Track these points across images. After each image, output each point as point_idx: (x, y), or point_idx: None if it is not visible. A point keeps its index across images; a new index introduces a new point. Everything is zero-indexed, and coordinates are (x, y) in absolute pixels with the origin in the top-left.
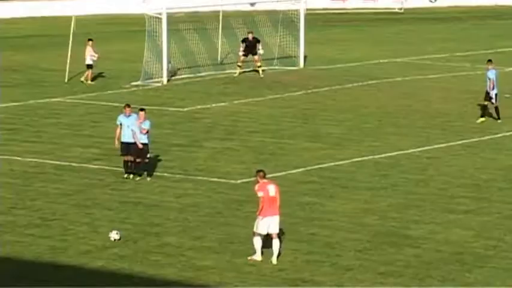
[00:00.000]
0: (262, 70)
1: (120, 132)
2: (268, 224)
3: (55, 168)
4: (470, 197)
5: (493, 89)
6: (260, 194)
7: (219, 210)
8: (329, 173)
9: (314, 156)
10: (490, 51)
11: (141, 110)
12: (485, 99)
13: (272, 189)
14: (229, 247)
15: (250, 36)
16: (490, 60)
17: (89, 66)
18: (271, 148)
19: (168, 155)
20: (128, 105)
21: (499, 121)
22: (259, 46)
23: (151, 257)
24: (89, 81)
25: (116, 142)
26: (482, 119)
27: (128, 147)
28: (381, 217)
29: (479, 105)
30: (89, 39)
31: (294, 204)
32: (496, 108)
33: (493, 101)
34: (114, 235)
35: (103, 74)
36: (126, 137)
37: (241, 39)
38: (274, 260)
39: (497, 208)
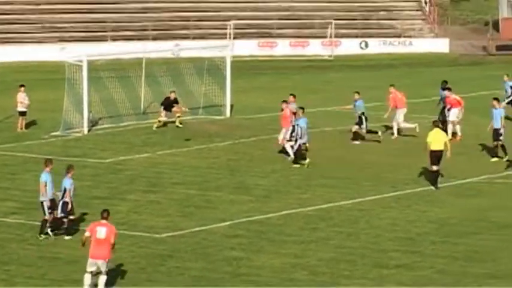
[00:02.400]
0: (180, 123)
1: (45, 190)
2: (96, 264)
3: None
4: (403, 251)
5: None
6: (87, 234)
7: (142, 265)
8: (257, 226)
9: (241, 209)
10: (421, 99)
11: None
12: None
13: (102, 231)
14: None
15: (172, 96)
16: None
17: (22, 113)
18: (197, 201)
19: (89, 208)
20: (50, 161)
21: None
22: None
23: None
24: (23, 129)
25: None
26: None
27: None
28: (311, 272)
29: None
30: (21, 85)
31: (220, 259)
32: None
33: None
34: None
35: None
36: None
37: (163, 99)
38: None
39: (431, 262)
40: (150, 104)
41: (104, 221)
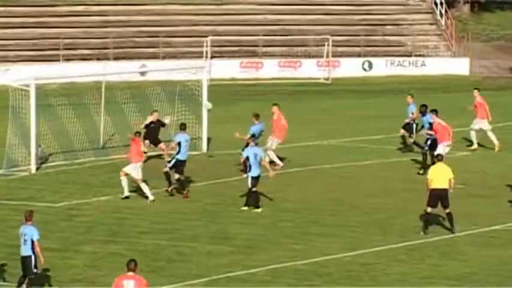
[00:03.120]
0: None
1: None
2: None
3: None
4: None
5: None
6: None
7: None
8: (239, 283)
9: (220, 263)
10: None
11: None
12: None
13: (130, 285)
14: None
15: (154, 117)
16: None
17: None
18: (167, 253)
19: None
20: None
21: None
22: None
23: None
24: None
25: None
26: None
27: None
28: None
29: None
30: None
31: None
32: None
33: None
34: None
35: None
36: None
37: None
38: None
39: None
40: (111, 137)
41: (131, 273)
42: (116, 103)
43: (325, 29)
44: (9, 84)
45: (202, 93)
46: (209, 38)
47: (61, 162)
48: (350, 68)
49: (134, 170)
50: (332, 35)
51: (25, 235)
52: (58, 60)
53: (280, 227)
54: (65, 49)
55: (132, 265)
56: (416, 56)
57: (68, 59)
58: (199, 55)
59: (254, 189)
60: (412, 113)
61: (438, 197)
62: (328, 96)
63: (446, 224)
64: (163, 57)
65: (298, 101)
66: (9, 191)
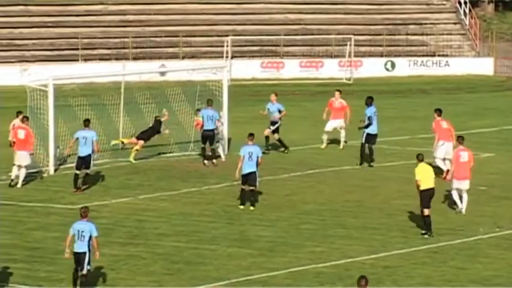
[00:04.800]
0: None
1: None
2: None
3: None
4: None
5: None
6: None
7: None
8: (259, 286)
9: (240, 266)
10: (462, 132)
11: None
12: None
13: None
14: None
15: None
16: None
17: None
18: (187, 255)
19: (55, 264)
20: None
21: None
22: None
23: None
24: None
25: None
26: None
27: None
28: None
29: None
30: (19, 112)
31: None
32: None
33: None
34: None
35: None
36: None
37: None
38: None
39: None
40: (131, 137)
41: None
42: (135, 104)
43: (347, 28)
44: (27, 85)
45: (222, 93)
46: (229, 38)
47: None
48: (372, 68)
49: None
50: (354, 35)
51: (82, 231)
52: (76, 60)
53: (301, 229)
54: (84, 49)
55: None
56: (439, 55)
57: (86, 59)
58: (219, 55)
59: (250, 187)
60: (280, 111)
61: (430, 196)
62: (350, 96)
63: (470, 226)
64: (183, 57)
65: (319, 101)
66: (27, 193)
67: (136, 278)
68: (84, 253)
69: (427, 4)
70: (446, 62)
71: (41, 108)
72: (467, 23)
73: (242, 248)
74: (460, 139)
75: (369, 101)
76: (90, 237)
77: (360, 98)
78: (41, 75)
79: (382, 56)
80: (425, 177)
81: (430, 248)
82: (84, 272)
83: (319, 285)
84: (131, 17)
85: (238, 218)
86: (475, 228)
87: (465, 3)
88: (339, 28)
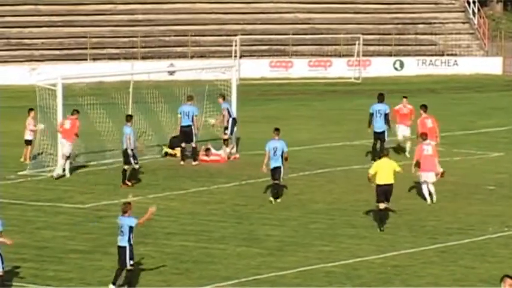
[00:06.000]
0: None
1: None
2: None
3: None
4: None
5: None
6: None
7: None
8: (268, 285)
9: (249, 265)
10: (470, 131)
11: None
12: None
13: None
14: None
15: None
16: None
17: (29, 142)
18: (195, 255)
19: (64, 263)
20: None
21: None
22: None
23: None
24: (27, 160)
25: None
26: None
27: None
28: None
29: None
30: (30, 109)
31: None
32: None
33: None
34: None
35: None
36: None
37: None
38: None
39: None
40: (139, 137)
41: None
42: (144, 103)
43: (356, 27)
44: (36, 84)
45: (231, 92)
46: (238, 37)
47: (89, 162)
48: (381, 67)
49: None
50: (363, 34)
51: (122, 226)
52: (85, 60)
53: (310, 228)
54: (92, 48)
55: None
56: (448, 55)
57: (95, 58)
58: (228, 54)
59: (275, 181)
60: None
61: (384, 192)
62: (359, 96)
63: (479, 225)
64: (192, 57)
65: (328, 100)
66: (36, 192)
67: (145, 277)
68: (125, 247)
69: (436, 3)
70: (455, 61)
71: (50, 108)
72: (476, 22)
73: (251, 248)
74: (423, 135)
75: (379, 98)
76: (131, 231)
77: (368, 97)
78: (50, 75)
79: (390, 55)
80: (381, 172)
81: (439, 248)
82: (128, 267)
83: (328, 284)
84: (140, 16)
85: (247, 218)
86: (484, 227)
87: (474, 2)
88: (347, 27)
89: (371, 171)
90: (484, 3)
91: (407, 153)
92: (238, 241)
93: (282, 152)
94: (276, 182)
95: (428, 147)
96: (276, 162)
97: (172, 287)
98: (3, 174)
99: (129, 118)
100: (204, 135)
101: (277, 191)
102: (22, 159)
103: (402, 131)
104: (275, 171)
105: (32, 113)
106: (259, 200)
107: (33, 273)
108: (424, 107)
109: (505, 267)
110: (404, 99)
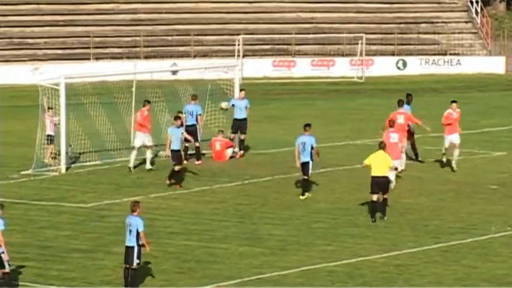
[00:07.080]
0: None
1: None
2: None
3: None
4: None
5: None
6: None
7: None
8: (271, 285)
9: (252, 265)
10: (473, 131)
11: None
12: None
13: None
14: None
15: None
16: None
17: (51, 139)
18: (198, 254)
19: (67, 263)
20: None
21: None
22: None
23: None
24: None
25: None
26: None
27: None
28: None
29: None
30: (49, 108)
31: None
32: None
33: None
34: None
35: None
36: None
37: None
38: None
39: None
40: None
41: None
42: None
43: (359, 27)
44: (38, 83)
45: (234, 92)
46: (241, 37)
47: (91, 162)
48: (384, 66)
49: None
50: (366, 33)
51: (130, 225)
52: (88, 59)
53: (313, 228)
54: (95, 48)
55: None
56: (451, 54)
57: (98, 57)
58: (231, 53)
59: (303, 176)
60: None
61: (378, 184)
62: (362, 95)
63: (482, 225)
64: (195, 56)
65: (331, 100)
66: (39, 192)
67: (147, 276)
68: (132, 247)
69: (439, 3)
70: (458, 60)
71: (53, 107)
72: (478, 21)
73: (254, 247)
74: (391, 122)
75: (407, 99)
76: (138, 232)
77: (371, 96)
78: (53, 74)
79: (393, 54)
80: (375, 164)
81: (442, 247)
82: (134, 266)
83: (330, 283)
84: (143, 16)
85: (249, 217)
86: (486, 227)
87: (477, 2)
88: (350, 27)
89: (366, 162)
90: (487, 3)
91: (453, 164)
92: (240, 240)
93: (311, 147)
94: (305, 177)
95: (394, 135)
96: (305, 157)
97: (175, 286)
98: (6, 173)
99: (177, 118)
100: (207, 134)
101: (304, 187)
102: (46, 160)
103: (452, 139)
104: (304, 167)
105: (51, 111)
106: (261, 199)
107: (36, 272)
108: (401, 101)
109: (508, 267)
110: (454, 104)
